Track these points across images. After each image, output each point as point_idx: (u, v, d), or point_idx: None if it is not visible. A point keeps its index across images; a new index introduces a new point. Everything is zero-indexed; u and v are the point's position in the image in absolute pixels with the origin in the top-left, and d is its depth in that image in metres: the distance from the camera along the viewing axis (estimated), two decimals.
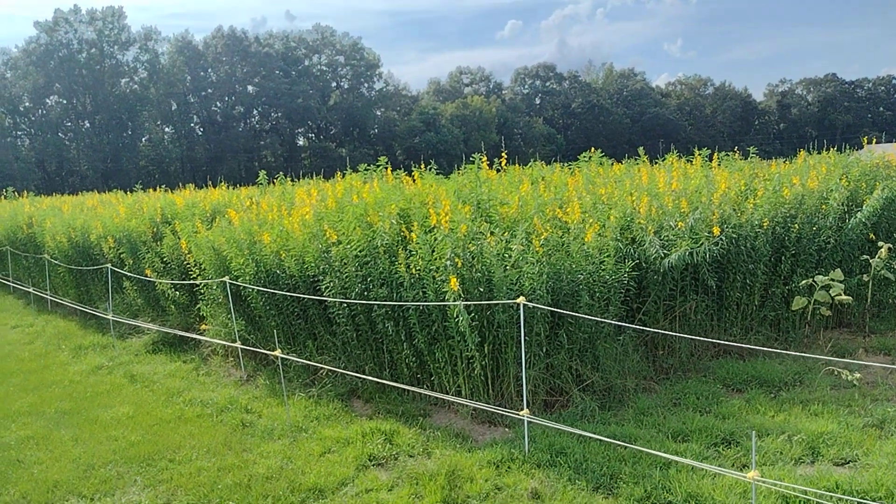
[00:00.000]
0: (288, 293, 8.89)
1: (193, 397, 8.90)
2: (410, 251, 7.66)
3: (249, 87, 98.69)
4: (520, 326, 6.55)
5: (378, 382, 8.08)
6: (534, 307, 6.82)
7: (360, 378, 8.21)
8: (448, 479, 5.91)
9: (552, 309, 6.96)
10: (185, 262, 11.41)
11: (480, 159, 8.37)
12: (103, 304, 13.31)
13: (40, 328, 14.27)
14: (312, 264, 8.62)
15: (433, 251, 7.40)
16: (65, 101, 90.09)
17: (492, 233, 7.54)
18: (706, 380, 8.10)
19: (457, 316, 6.90)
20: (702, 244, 8.03)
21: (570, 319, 7.60)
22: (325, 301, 8.56)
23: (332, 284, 8.31)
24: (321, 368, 8.70)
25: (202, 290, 10.76)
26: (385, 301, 7.74)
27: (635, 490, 5.49)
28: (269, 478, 6.37)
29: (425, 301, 7.37)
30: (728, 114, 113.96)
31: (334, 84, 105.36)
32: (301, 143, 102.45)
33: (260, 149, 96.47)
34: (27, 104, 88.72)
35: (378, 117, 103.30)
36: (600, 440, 6.35)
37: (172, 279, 11.65)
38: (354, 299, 8.04)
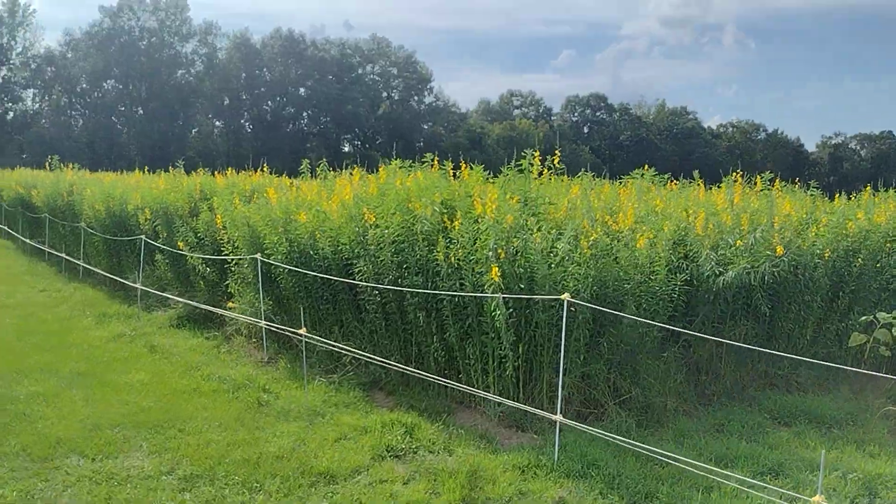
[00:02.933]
0: (320, 275, 8.55)
1: (211, 372, 8.59)
2: (451, 240, 7.28)
3: (301, 90, 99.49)
4: (560, 327, 6.11)
5: (403, 375, 7.69)
6: (578, 306, 6.38)
7: (384, 367, 7.82)
8: (469, 478, 5.49)
9: (598, 307, 6.51)
10: (218, 239, 11.16)
11: (532, 156, 7.97)
12: (133, 276, 13.12)
13: (68, 294, 14.13)
14: (347, 247, 8.27)
15: (475, 241, 7.01)
16: (121, 86, 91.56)
17: (539, 229, 7.13)
18: (751, 409, 7.59)
19: (494, 310, 6.49)
20: (762, 264, 7.53)
21: (613, 330, 7.15)
22: (357, 286, 8.21)
23: (365, 269, 7.96)
24: (345, 356, 8.33)
25: (232, 267, 10.49)
26: (419, 289, 7.36)
27: None
28: (280, 457, 6.00)
29: (462, 292, 6.98)
30: (778, 162, 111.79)
31: (384, 94, 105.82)
32: (346, 149, 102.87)
33: (305, 151, 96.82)
34: (84, 86, 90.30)
35: (425, 131, 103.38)
36: (637, 457, 5.90)
37: (204, 255, 11.41)
38: (387, 286, 7.67)
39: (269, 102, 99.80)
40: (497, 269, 6.35)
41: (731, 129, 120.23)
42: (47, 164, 20.68)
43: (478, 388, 7.10)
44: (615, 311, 7.08)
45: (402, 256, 7.67)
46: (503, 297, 6.39)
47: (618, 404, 7.06)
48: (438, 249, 7.21)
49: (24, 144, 78.24)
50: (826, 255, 8.74)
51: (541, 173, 8.06)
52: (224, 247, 10.68)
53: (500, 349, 6.77)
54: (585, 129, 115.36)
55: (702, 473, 5.44)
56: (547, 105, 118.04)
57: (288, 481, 5.55)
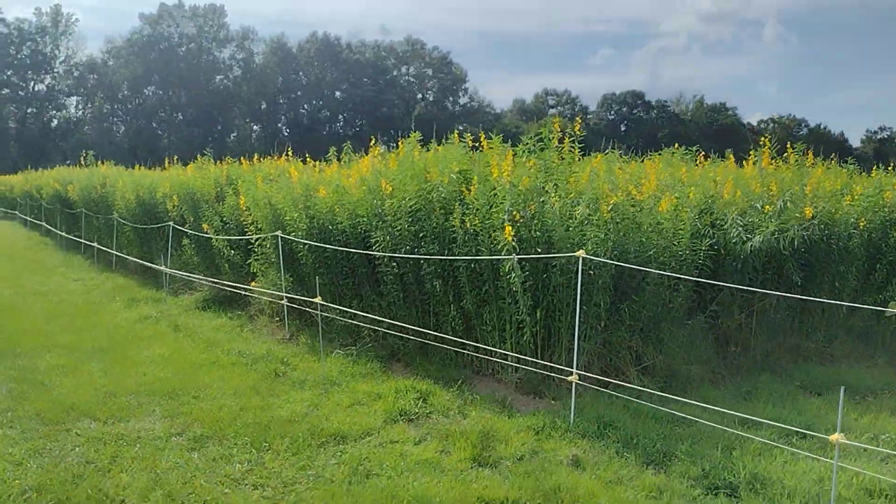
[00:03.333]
0: (338, 248, 8.47)
1: (232, 348, 8.56)
2: (467, 206, 7.14)
3: (337, 93, 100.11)
4: (576, 285, 5.91)
5: (421, 346, 7.57)
6: (596, 266, 6.19)
7: (402, 339, 7.70)
8: (481, 438, 5.33)
9: (615, 263, 6.31)
10: (242, 221, 11.18)
11: (552, 124, 7.75)
12: (162, 262, 13.21)
13: (100, 282, 14.29)
14: (365, 219, 8.17)
15: (491, 207, 6.86)
16: (161, 92, 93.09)
17: (557, 195, 6.95)
18: (781, 380, 7.30)
19: (509, 272, 6.33)
20: (791, 228, 7.25)
21: (635, 297, 6.94)
22: (374, 258, 8.10)
23: (382, 240, 7.85)
24: (363, 329, 8.24)
25: (255, 248, 10.47)
26: (436, 256, 7.22)
27: (691, 469, 4.80)
28: (291, 421, 5.91)
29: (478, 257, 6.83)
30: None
31: (419, 96, 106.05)
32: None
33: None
34: (126, 92, 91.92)
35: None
36: (657, 419, 5.72)
37: (228, 237, 11.43)
38: (404, 255, 7.55)
39: (306, 106, 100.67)
40: (511, 228, 6.18)
41: (772, 124, 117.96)
42: (82, 159, 20.95)
43: (495, 357, 6.95)
44: (637, 276, 6.89)
45: (418, 225, 7.55)
46: (518, 259, 6.21)
47: (640, 371, 6.84)
48: (455, 216, 7.07)
49: (67, 151, 79.85)
50: (861, 224, 8.42)
51: (561, 140, 7.83)
52: (248, 228, 10.68)
53: (518, 314, 6.61)
54: (622, 127, 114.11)
55: (726, 431, 5.23)
56: (583, 103, 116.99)
57: (297, 442, 5.45)
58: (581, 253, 5.65)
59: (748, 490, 4.46)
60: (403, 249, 7.62)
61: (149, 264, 13.47)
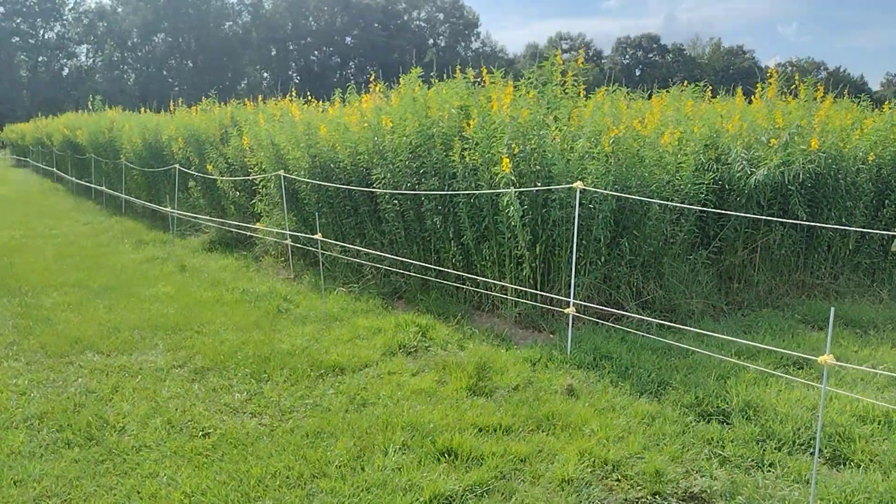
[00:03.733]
0: (340, 186, 8.45)
1: (236, 286, 8.61)
2: (467, 140, 7.07)
3: (348, 39, 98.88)
4: (574, 219, 5.87)
5: (423, 283, 7.59)
6: (594, 197, 6.14)
7: (404, 276, 7.73)
8: (477, 370, 5.37)
9: (613, 193, 6.26)
10: (246, 163, 11.17)
11: (555, 57, 7.62)
12: (170, 206, 13.25)
13: (109, 226, 14.36)
14: (366, 156, 8.13)
15: (491, 141, 6.79)
16: (171, 40, 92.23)
17: (558, 129, 6.87)
18: (783, 314, 7.27)
19: (508, 206, 6.29)
20: (796, 160, 7.15)
21: (636, 232, 6.90)
22: (376, 196, 8.08)
23: (383, 176, 7.81)
24: (366, 267, 8.26)
25: (260, 189, 10.47)
26: (436, 191, 7.19)
27: (685, 396, 4.82)
28: (291, 353, 5.97)
29: (477, 191, 6.79)
30: (834, 96, 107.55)
31: (431, 41, 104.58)
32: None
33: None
34: (135, 40, 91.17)
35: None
36: (654, 351, 5.72)
37: (234, 178, 11.43)
38: (405, 191, 7.52)
39: (316, 52, 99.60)
40: (509, 161, 6.13)
41: (790, 68, 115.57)
42: (89, 103, 20.89)
43: (494, 292, 6.96)
44: (639, 210, 6.85)
45: (419, 161, 7.51)
46: (515, 192, 6.17)
47: (640, 306, 6.84)
48: (455, 151, 7.01)
49: (79, 99, 79.68)
50: (870, 158, 8.28)
51: (563, 72, 7.70)
52: (252, 169, 10.66)
53: (517, 249, 6.60)
54: (637, 72, 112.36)
55: (723, 361, 5.24)
56: (597, 47, 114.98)
57: (296, 373, 5.50)
58: (579, 184, 5.60)
59: (740, 416, 4.47)
60: (404, 186, 7.60)
61: (156, 207, 13.52)
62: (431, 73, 9.37)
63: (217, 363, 5.77)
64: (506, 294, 6.84)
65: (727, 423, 4.45)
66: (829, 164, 7.93)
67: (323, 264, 8.10)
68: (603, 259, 6.75)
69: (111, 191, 16.85)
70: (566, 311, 5.64)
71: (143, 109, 19.32)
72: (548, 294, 6.50)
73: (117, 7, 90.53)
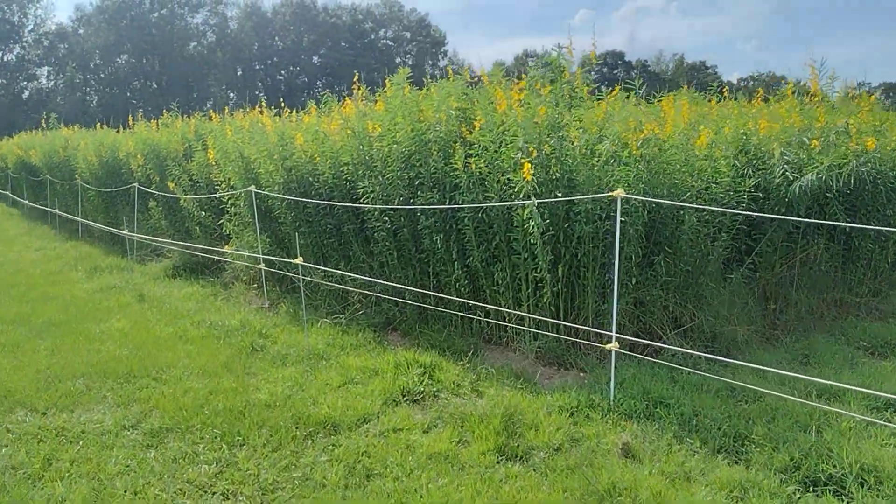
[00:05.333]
0: (321, 202, 7.39)
1: (203, 319, 7.49)
2: (471, 145, 6.07)
3: (315, 58, 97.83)
4: (608, 242, 4.86)
5: (420, 311, 6.55)
6: (631, 207, 5.16)
7: (398, 304, 6.68)
8: (505, 423, 4.33)
9: (666, 202, 5.29)
10: (213, 178, 10.08)
11: (563, 47, 6.69)
12: (129, 228, 12.04)
13: (63, 251, 13.09)
14: (350, 167, 7.08)
15: (500, 145, 5.79)
16: (134, 61, 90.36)
17: (576, 130, 5.89)
18: (835, 340, 6.34)
19: (528, 220, 5.28)
20: (849, 161, 6.24)
21: (669, 248, 5.92)
22: (363, 213, 7.04)
23: (371, 190, 6.77)
24: (352, 294, 7.20)
25: (228, 208, 9.37)
26: (436, 206, 6.16)
27: (776, 457, 3.82)
28: (271, 406, 4.88)
29: (487, 205, 5.78)
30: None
31: (398, 59, 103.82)
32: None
33: None
34: (98, 61, 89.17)
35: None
36: (714, 392, 4.72)
37: (198, 196, 10.31)
38: (398, 206, 6.49)
39: (283, 72, 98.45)
40: (530, 166, 5.11)
41: (752, 82, 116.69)
42: (43, 121, 19.58)
43: (509, 322, 5.94)
44: (672, 223, 5.89)
45: (413, 171, 6.48)
46: (537, 203, 5.15)
47: (679, 335, 5.85)
48: (457, 158, 5.99)
49: (40, 122, 77.60)
50: None
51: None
52: (219, 186, 9.57)
53: (536, 272, 5.58)
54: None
55: (805, 405, 4.25)
56: (563, 63, 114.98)
57: (278, 433, 4.42)
58: (620, 192, 4.59)
59: (858, 485, 3.48)
60: (397, 200, 6.57)
61: (114, 230, 12.30)
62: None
63: (179, 421, 4.66)
64: (522, 324, 5.81)
65: (844, 496, 3.46)
66: (869, 169, 7.05)
67: (302, 287, 7.02)
68: (634, 280, 5.76)
69: (66, 214, 15.56)
70: (607, 346, 4.62)
71: (99, 125, 18.05)
72: (574, 325, 5.48)
73: (78, 28, 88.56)
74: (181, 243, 10.38)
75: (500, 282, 5.92)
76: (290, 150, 7.97)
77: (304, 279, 6.85)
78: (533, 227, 5.22)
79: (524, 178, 5.09)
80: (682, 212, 5.92)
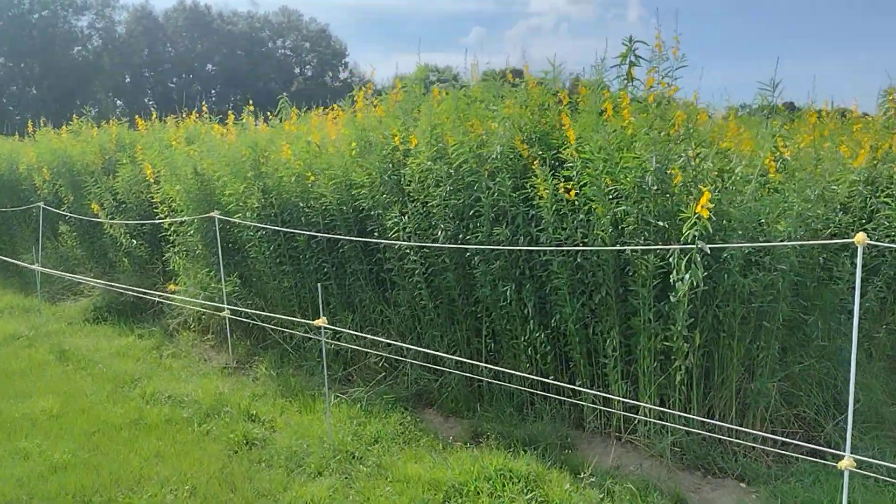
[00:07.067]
0: (321, 234, 5.66)
1: (157, 390, 5.60)
2: (561, 162, 4.52)
3: (209, 66, 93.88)
4: (855, 287, 3.29)
5: (467, 380, 4.92)
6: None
7: (433, 370, 5.04)
8: None
9: None
10: (145, 200, 8.13)
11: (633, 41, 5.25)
12: (31, 257, 9.75)
13: None
14: (366, 191, 5.38)
15: (611, 165, 4.24)
16: (11, 65, 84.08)
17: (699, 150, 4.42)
18: None
19: (688, 271, 3.70)
20: None
21: (818, 302, 4.51)
22: (377, 251, 5.37)
23: (401, 222, 5.10)
24: (368, 355, 5.48)
25: (171, 237, 7.45)
26: (509, 247, 4.56)
27: None
28: None
29: (591, 247, 4.23)
30: None
31: (297, 70, 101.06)
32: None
33: None
34: None
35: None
36: None
37: (129, 221, 8.30)
38: (444, 244, 4.85)
39: (175, 79, 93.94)
40: (709, 194, 3.56)
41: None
42: None
43: (616, 407, 4.38)
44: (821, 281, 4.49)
45: (464, 197, 4.85)
46: (702, 248, 3.63)
47: (842, 421, 4.45)
48: (539, 181, 4.41)
49: None
50: None
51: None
52: (157, 209, 7.62)
53: (674, 340, 4.05)
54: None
55: None
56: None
57: None
58: (861, 238, 3.12)
59: None
60: (442, 235, 4.92)
61: (13, 260, 9.97)
62: (301, 103, 7.21)
63: None
64: (639, 411, 4.26)
65: None
66: None
67: (325, 362, 5.26)
68: (783, 348, 4.33)
69: None
70: (840, 464, 3.12)
71: None
72: (722, 422, 3.98)
73: None
74: (104, 281, 8.29)
75: (608, 349, 4.36)
76: (271, 166, 6.19)
77: (327, 343, 5.09)
78: (686, 282, 3.69)
79: (700, 214, 3.55)
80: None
